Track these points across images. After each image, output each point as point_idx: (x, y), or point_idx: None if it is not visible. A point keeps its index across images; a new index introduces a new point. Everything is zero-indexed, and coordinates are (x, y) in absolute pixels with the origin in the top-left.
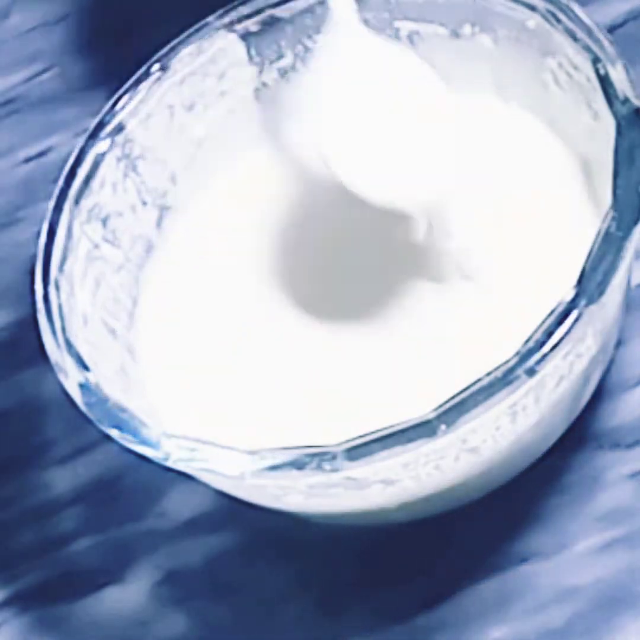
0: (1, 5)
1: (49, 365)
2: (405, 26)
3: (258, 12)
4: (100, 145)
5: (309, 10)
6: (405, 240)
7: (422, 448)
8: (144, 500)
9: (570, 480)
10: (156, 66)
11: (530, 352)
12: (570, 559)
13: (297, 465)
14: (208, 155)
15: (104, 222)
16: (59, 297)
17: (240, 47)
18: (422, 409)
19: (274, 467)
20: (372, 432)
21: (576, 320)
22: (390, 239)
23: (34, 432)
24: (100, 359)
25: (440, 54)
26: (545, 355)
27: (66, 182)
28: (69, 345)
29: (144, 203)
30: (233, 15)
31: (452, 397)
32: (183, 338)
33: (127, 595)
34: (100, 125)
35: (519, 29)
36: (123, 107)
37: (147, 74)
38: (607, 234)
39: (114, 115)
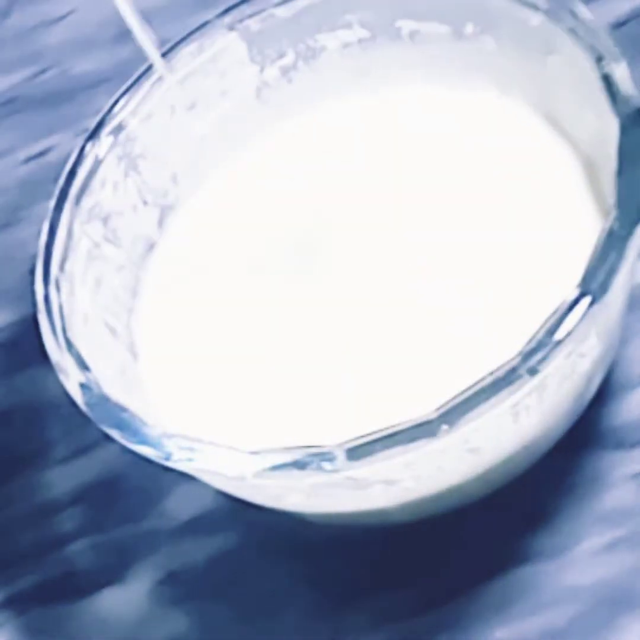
0: (1, 5)
1: (49, 365)
2: (406, 25)
3: (259, 11)
4: (101, 145)
5: (310, 8)
6: (408, 238)
7: (424, 448)
8: (145, 500)
9: (573, 480)
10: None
11: (533, 352)
12: (572, 559)
13: (298, 465)
14: (209, 154)
15: (105, 221)
16: (59, 296)
17: (241, 46)
18: (424, 409)
19: (275, 467)
20: (374, 432)
21: (579, 319)
22: (391, 238)
23: (34, 432)
24: (101, 358)
25: (442, 52)
26: (547, 355)
27: (66, 182)
28: (70, 345)
29: (145, 202)
30: (234, 14)
31: (454, 397)
32: (184, 338)
33: (128, 596)
34: (101, 124)
35: (522, 27)
36: (123, 107)
37: (147, 73)
38: (610, 233)
39: (114, 115)
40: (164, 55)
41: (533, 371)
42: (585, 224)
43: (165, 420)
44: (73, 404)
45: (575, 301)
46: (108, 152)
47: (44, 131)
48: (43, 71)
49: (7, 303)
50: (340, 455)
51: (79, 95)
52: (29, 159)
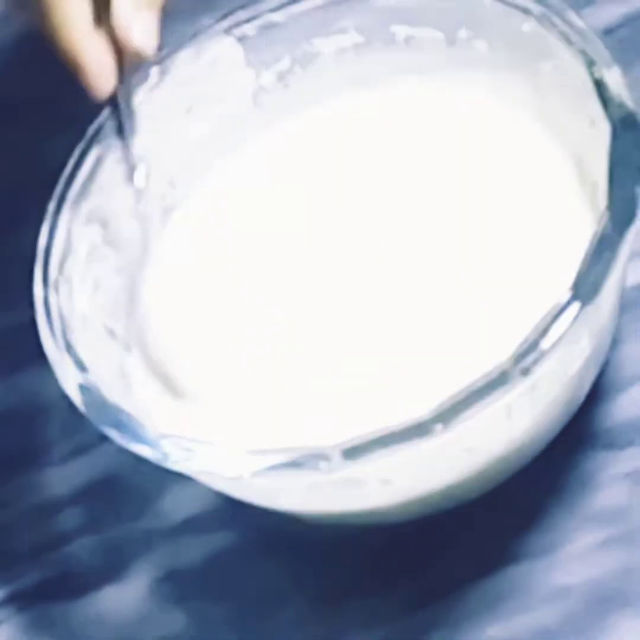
0: (1, 6)
1: (48, 366)
2: (400, 30)
3: (256, 16)
4: (100, 148)
5: (306, 14)
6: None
7: (419, 448)
8: (143, 500)
9: (565, 480)
10: (155, 69)
11: (526, 353)
12: (564, 558)
13: (296, 465)
14: (206, 158)
15: (104, 224)
16: (58, 298)
17: (238, 51)
18: (419, 409)
19: (272, 467)
20: (370, 432)
21: (571, 321)
22: (387, 238)
23: (34, 433)
24: (99, 360)
25: (436, 58)
26: (540, 357)
27: (66, 184)
28: (68, 346)
29: (144, 205)
30: (231, 19)
31: (449, 398)
32: (183, 339)
33: (126, 595)
34: (100, 127)
35: (514, 33)
36: None
37: (145, 77)
38: (602, 235)
39: (113, 118)
40: (161, 60)
41: (526, 372)
42: (579, 225)
43: (163, 420)
44: (71, 405)
45: (567, 304)
46: (107, 155)
47: (45, 131)
48: (43, 72)
49: (6, 304)
50: (337, 455)
51: (78, 97)
52: (29, 160)
